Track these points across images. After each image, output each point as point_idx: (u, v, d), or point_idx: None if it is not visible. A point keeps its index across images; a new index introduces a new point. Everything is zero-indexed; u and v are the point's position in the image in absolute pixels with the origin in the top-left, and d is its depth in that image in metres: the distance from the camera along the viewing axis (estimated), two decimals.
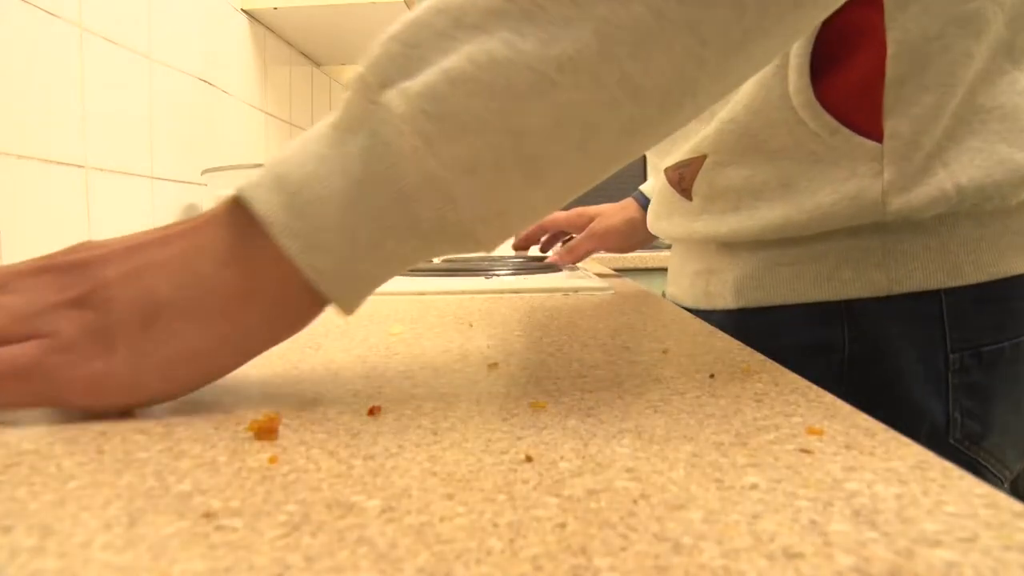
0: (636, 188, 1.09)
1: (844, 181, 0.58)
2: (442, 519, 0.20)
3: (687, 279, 0.76)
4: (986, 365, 0.59)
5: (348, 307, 0.35)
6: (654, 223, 0.79)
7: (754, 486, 0.22)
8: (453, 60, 0.31)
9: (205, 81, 1.35)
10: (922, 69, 0.55)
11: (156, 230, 0.34)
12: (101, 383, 0.31)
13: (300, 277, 0.33)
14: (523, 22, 0.31)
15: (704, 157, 0.66)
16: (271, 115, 1.67)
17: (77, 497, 0.22)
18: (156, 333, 0.32)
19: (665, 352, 0.45)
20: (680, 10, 0.31)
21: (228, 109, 1.45)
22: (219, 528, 0.19)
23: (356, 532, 0.19)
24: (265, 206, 0.32)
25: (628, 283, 1.03)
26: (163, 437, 0.28)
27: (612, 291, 0.83)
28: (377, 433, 0.29)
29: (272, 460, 0.25)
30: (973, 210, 0.57)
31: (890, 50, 0.55)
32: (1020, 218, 0.59)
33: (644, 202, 1.07)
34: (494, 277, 0.92)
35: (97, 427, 0.30)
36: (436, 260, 1.23)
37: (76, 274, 0.32)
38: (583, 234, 1.11)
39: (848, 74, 0.57)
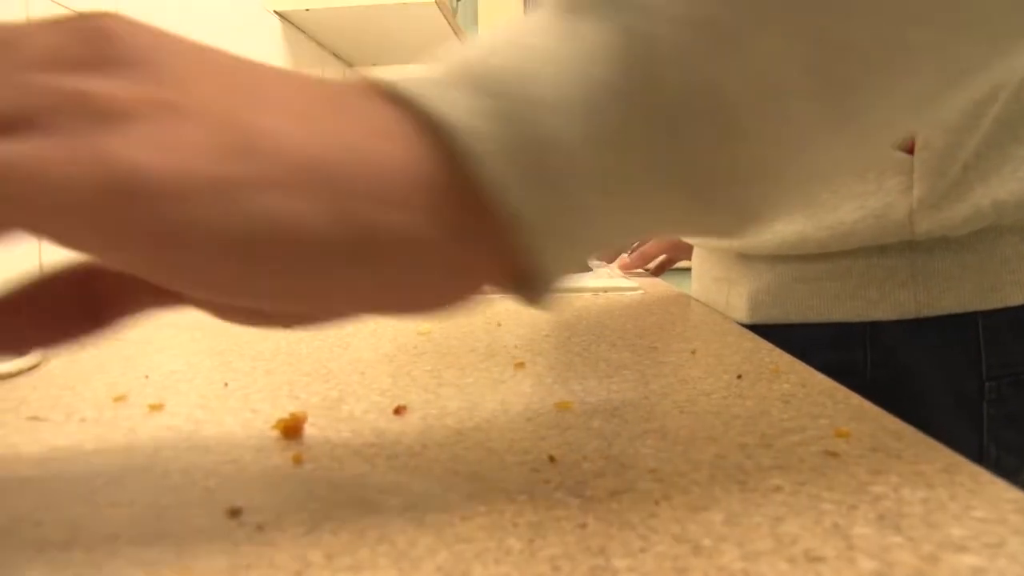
0: None
1: (869, 196, 0.53)
2: (463, 518, 0.20)
3: (710, 284, 0.74)
4: (1019, 387, 0.54)
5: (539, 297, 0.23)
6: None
7: (778, 488, 0.22)
8: None
9: None
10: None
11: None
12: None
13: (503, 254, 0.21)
14: None
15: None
16: None
17: (105, 493, 0.22)
18: None
19: (693, 352, 0.45)
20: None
21: None
22: (242, 525, 0.20)
23: (377, 530, 0.19)
24: (493, 166, 0.20)
25: (657, 283, 1.02)
26: (190, 435, 0.29)
27: (641, 291, 0.83)
28: (401, 432, 0.29)
29: (297, 458, 0.26)
30: (1016, 224, 0.52)
31: None
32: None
33: None
34: None
35: (127, 424, 0.31)
36: None
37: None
38: (652, 241, 1.08)
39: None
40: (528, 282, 0.22)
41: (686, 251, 1.07)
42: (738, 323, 0.60)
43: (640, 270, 1.21)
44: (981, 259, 0.53)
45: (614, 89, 0.20)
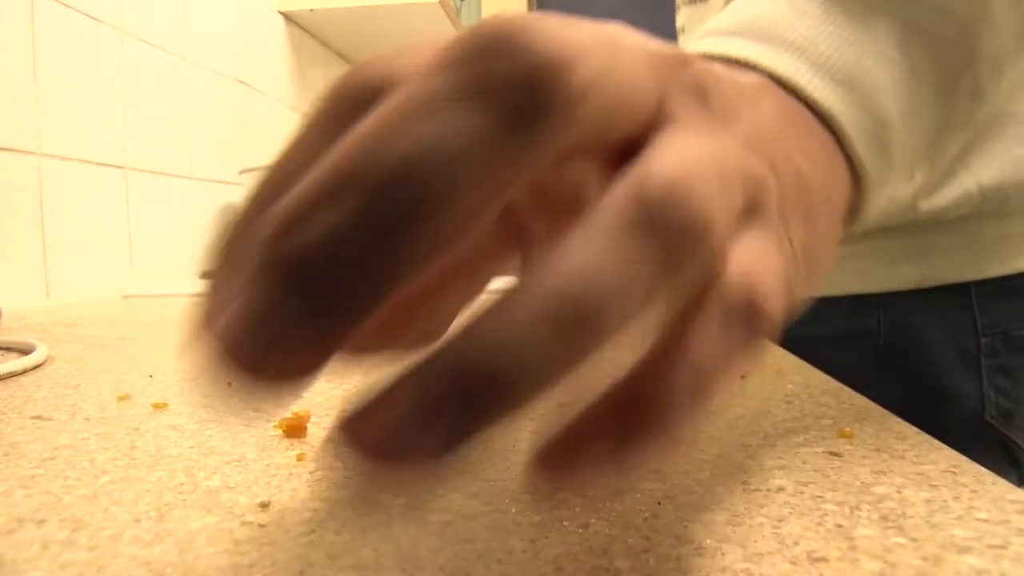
0: None
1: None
2: (465, 518, 0.20)
3: None
4: (1015, 348, 0.63)
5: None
6: None
7: (781, 489, 0.22)
8: None
9: (242, 82, 1.37)
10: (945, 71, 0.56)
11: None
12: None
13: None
14: None
15: None
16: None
17: (109, 492, 0.22)
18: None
19: None
20: None
21: (265, 110, 1.47)
22: (245, 524, 0.20)
23: (379, 530, 0.19)
24: (859, 146, 0.24)
25: None
26: (194, 434, 0.29)
27: None
28: None
29: (300, 458, 0.26)
30: (996, 210, 0.62)
31: None
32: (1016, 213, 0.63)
33: None
34: None
35: (131, 423, 0.31)
36: None
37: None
38: None
39: None
40: (853, 219, 0.26)
41: None
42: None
43: None
44: (970, 238, 0.63)
45: (909, 70, 0.25)
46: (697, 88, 0.18)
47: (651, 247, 0.13)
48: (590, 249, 0.13)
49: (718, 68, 0.20)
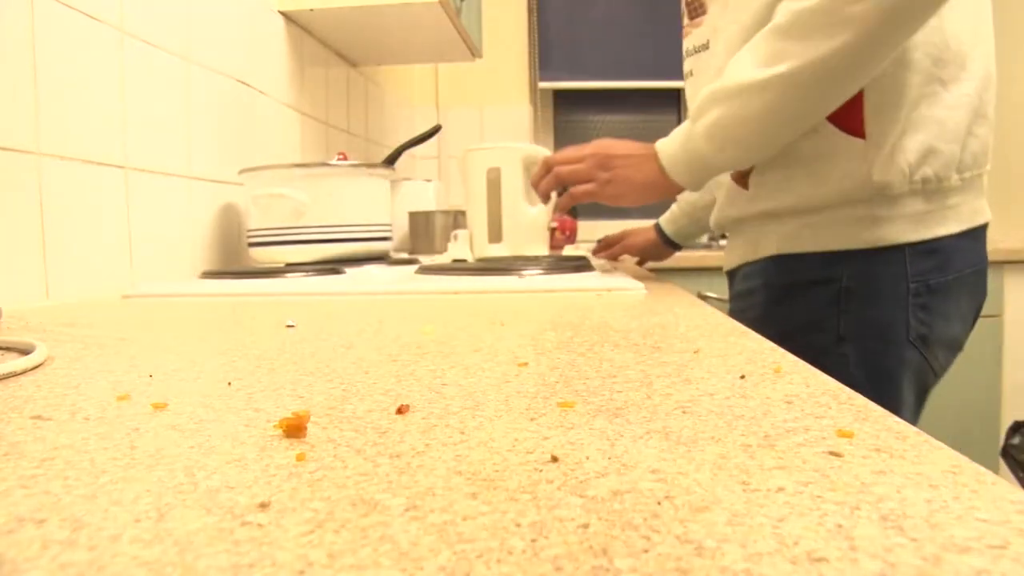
0: (659, 217, 1.54)
1: (836, 168, 0.91)
2: (465, 518, 0.20)
3: (740, 242, 1.08)
4: (932, 291, 0.91)
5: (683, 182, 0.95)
6: (720, 214, 1.09)
7: (780, 489, 0.22)
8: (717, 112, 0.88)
9: (242, 82, 1.37)
10: (882, 95, 0.88)
11: (625, 148, 1.00)
12: (613, 192, 0.98)
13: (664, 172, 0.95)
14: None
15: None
16: (307, 115, 1.68)
17: (108, 492, 0.22)
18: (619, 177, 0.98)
19: (696, 353, 0.45)
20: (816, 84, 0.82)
21: (265, 110, 1.47)
22: (245, 524, 0.20)
23: (379, 530, 0.19)
24: (661, 155, 0.94)
25: (661, 283, 1.02)
26: (194, 434, 0.29)
27: (645, 291, 0.83)
28: (404, 432, 0.29)
29: (300, 457, 0.26)
30: (922, 189, 0.89)
31: (865, 87, 0.87)
32: (952, 196, 0.91)
33: (661, 231, 1.52)
34: (527, 277, 0.92)
35: (131, 423, 0.31)
36: (471, 259, 1.23)
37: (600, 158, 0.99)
38: (620, 242, 1.58)
39: (845, 104, 0.86)
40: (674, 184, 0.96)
41: (634, 252, 1.57)
42: (766, 256, 1.00)
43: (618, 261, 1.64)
44: (904, 212, 0.90)
45: (701, 134, 0.90)
46: (598, 161, 0.99)
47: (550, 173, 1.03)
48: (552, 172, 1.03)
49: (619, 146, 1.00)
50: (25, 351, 0.47)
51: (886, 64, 0.82)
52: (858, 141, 0.88)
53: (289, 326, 0.60)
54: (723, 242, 2.13)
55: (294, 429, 0.28)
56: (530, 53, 2.92)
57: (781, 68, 0.80)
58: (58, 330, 0.62)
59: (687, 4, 1.06)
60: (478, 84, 2.90)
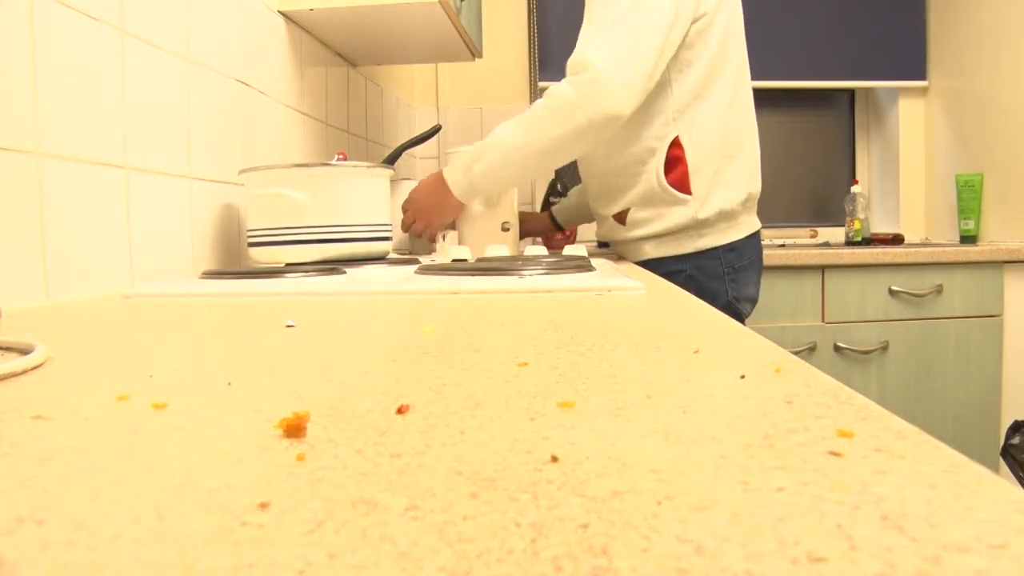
0: (551, 206, 2.18)
1: (677, 212, 1.47)
2: (465, 518, 0.20)
3: (620, 251, 1.63)
4: (736, 272, 1.52)
5: (464, 200, 1.51)
6: (605, 234, 1.65)
7: (780, 488, 0.22)
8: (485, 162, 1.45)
9: (242, 82, 1.37)
10: (696, 171, 1.45)
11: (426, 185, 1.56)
12: (425, 221, 1.56)
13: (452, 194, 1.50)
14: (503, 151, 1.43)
15: (629, 209, 1.52)
16: (307, 115, 1.68)
17: (108, 492, 0.22)
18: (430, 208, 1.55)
19: (696, 352, 0.45)
20: (538, 154, 1.39)
21: (265, 110, 1.47)
22: (245, 524, 0.20)
23: (379, 530, 0.19)
24: (447, 176, 1.50)
25: (661, 283, 1.02)
26: (194, 434, 0.29)
27: (645, 291, 0.83)
28: (404, 432, 0.29)
29: (300, 457, 0.26)
30: (722, 217, 1.49)
31: (689, 162, 1.45)
32: (739, 217, 1.52)
33: (553, 218, 2.01)
34: (527, 277, 0.92)
35: (131, 423, 0.31)
36: (471, 260, 1.23)
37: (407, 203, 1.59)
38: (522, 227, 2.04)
39: (675, 171, 1.45)
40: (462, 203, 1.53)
41: (529, 232, 2.06)
42: (641, 260, 1.54)
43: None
44: (709, 232, 1.49)
45: (473, 171, 1.48)
46: (408, 207, 1.62)
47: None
48: None
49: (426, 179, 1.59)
50: (25, 351, 0.47)
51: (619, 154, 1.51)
52: (685, 196, 1.46)
53: (289, 326, 0.60)
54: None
55: (294, 429, 0.29)
56: (530, 53, 2.92)
57: (517, 139, 1.40)
58: (58, 330, 0.62)
59: None
60: (478, 84, 2.90)
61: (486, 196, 1.52)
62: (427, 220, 1.55)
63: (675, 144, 1.44)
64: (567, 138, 1.34)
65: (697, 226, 1.47)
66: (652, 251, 1.52)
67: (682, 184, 1.45)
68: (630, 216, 1.52)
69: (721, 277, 1.50)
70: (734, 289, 1.52)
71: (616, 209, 1.54)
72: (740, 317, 1.57)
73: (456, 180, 1.47)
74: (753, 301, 1.61)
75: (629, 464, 0.24)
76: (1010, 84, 2.44)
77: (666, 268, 1.48)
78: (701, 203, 1.46)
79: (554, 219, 2.01)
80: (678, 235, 1.49)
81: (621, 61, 1.30)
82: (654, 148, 1.45)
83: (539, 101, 1.39)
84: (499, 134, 1.41)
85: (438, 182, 1.49)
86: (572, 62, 1.37)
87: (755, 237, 1.58)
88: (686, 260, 1.50)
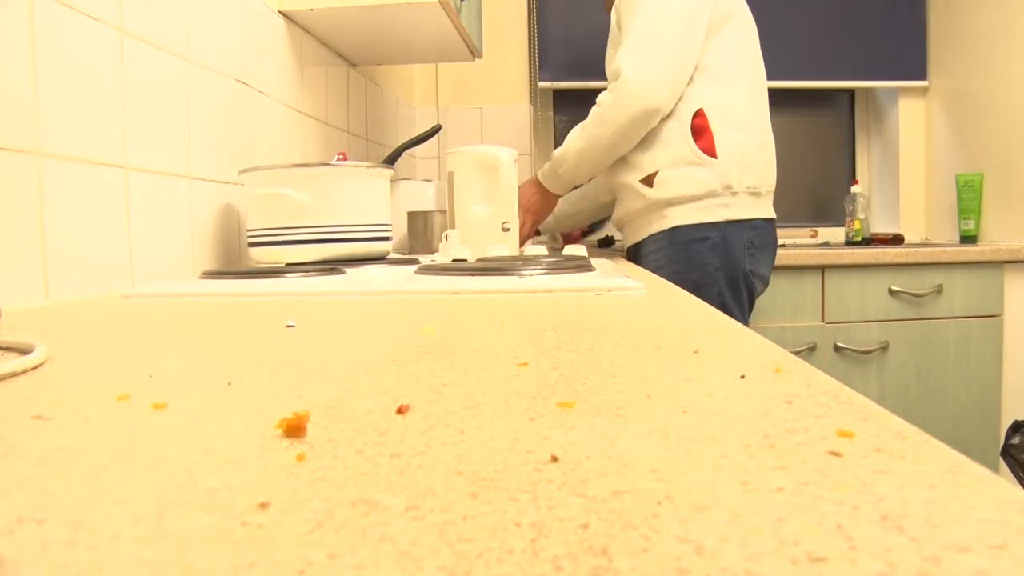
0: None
1: (705, 174, 1.61)
2: (465, 518, 0.20)
3: (642, 223, 1.72)
4: (755, 247, 1.66)
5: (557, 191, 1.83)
6: (623, 209, 1.78)
7: (780, 488, 0.22)
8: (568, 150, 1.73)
9: (242, 82, 1.37)
10: (721, 136, 1.67)
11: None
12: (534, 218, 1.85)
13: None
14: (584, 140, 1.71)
15: (658, 172, 1.66)
16: (307, 115, 1.68)
17: (108, 492, 0.22)
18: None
19: (696, 352, 0.45)
20: (602, 151, 1.67)
21: (265, 110, 1.47)
22: (245, 524, 0.20)
23: (379, 530, 0.19)
24: (543, 180, 1.80)
25: (662, 283, 1.02)
26: (194, 434, 0.29)
27: (645, 291, 0.83)
28: (404, 432, 0.29)
29: (300, 457, 0.26)
30: (744, 190, 1.63)
31: (714, 130, 1.68)
32: (757, 197, 1.65)
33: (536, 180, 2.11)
34: (527, 277, 0.92)
35: (131, 423, 0.31)
36: (471, 260, 1.23)
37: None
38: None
39: (703, 138, 1.64)
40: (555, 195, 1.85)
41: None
42: (667, 228, 1.66)
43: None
44: (741, 203, 1.64)
45: (554, 170, 1.78)
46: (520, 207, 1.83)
47: None
48: None
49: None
50: (25, 351, 0.47)
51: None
52: (714, 160, 1.60)
53: (289, 326, 0.60)
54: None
55: (294, 429, 0.29)
56: (530, 53, 2.92)
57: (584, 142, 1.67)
58: (58, 330, 0.62)
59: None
60: (478, 84, 2.90)
61: (567, 181, 1.80)
62: (536, 214, 1.85)
63: (699, 114, 1.61)
64: (618, 135, 1.60)
65: (724, 193, 1.60)
66: (680, 217, 1.63)
67: (709, 149, 1.60)
68: (659, 177, 1.64)
69: (743, 249, 1.63)
70: (751, 263, 1.64)
71: (645, 172, 1.66)
72: (752, 292, 1.69)
73: (551, 183, 1.79)
74: (765, 282, 1.73)
75: (629, 464, 0.24)
76: (1010, 84, 2.45)
77: (694, 235, 1.62)
78: (726, 169, 1.60)
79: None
80: (705, 201, 1.61)
81: (642, 62, 1.55)
82: (679, 112, 1.62)
83: (593, 108, 1.64)
84: (569, 141, 1.69)
85: (537, 185, 1.81)
86: (609, 72, 1.65)
87: (772, 223, 1.72)
88: (714, 228, 1.61)
